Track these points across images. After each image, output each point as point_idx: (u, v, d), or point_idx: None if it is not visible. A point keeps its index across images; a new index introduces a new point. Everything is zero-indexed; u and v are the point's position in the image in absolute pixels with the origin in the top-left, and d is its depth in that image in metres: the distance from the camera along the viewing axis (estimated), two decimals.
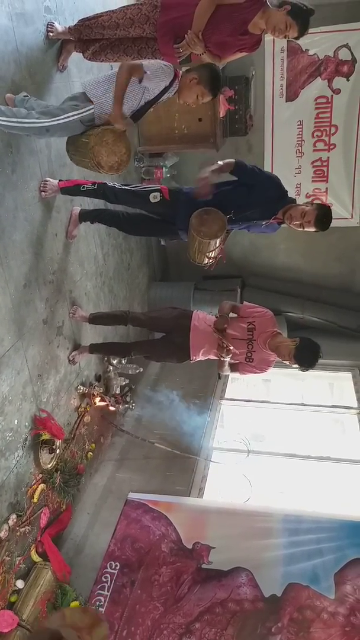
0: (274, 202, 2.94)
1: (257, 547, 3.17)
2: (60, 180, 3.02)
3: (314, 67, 4.65)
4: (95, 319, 3.48)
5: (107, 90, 2.57)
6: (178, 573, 3.09)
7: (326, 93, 4.71)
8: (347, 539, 3.18)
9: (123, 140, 2.66)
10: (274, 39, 4.42)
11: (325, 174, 5.01)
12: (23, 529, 2.78)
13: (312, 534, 3.21)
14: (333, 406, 4.67)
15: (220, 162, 2.93)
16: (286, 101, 4.79)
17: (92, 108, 2.58)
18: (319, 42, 4.51)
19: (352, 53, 4.53)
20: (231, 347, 3.02)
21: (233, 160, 2.93)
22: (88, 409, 3.55)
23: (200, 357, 3.23)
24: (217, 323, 3.12)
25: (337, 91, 4.69)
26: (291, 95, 4.77)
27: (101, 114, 2.61)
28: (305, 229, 2.89)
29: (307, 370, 2.97)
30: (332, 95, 4.71)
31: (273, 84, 4.74)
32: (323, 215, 2.85)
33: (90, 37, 2.92)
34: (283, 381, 4.98)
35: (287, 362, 2.96)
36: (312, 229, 2.88)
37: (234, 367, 3.20)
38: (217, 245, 2.91)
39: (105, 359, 3.83)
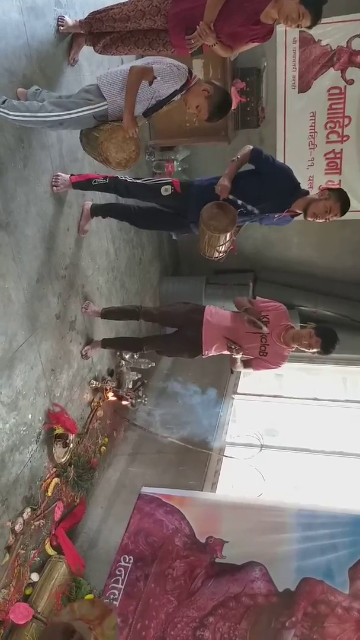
0: (287, 194, 2.91)
1: (271, 542, 3.17)
2: (72, 175, 3.02)
3: (327, 58, 4.57)
4: (107, 314, 3.48)
5: (121, 90, 2.56)
6: (191, 567, 3.10)
7: (339, 84, 4.64)
8: None
9: (133, 138, 2.65)
10: (286, 30, 4.36)
11: (339, 166, 4.95)
12: (37, 522, 2.80)
13: (326, 529, 3.19)
14: (347, 401, 4.63)
15: (238, 156, 2.91)
16: (298, 92, 4.73)
17: (106, 104, 2.58)
18: (332, 32, 4.43)
19: None
20: (239, 347, 3.01)
21: (250, 148, 2.91)
22: (101, 404, 3.56)
23: (213, 353, 3.22)
24: (250, 312, 3.07)
25: (350, 82, 4.61)
26: (303, 86, 4.70)
27: (114, 111, 2.60)
28: (330, 220, 2.88)
29: (328, 353, 2.97)
30: (345, 86, 4.63)
31: (285, 75, 4.68)
32: (345, 203, 2.86)
33: (101, 30, 2.89)
34: (296, 376, 4.95)
35: (307, 349, 2.96)
36: (337, 217, 2.87)
37: (247, 363, 3.18)
38: (228, 239, 2.89)
39: (118, 353, 3.84)
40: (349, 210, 2.93)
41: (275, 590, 2.97)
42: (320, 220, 2.88)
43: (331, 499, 3.66)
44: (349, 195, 2.96)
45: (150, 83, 2.54)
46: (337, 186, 4.68)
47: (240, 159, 2.90)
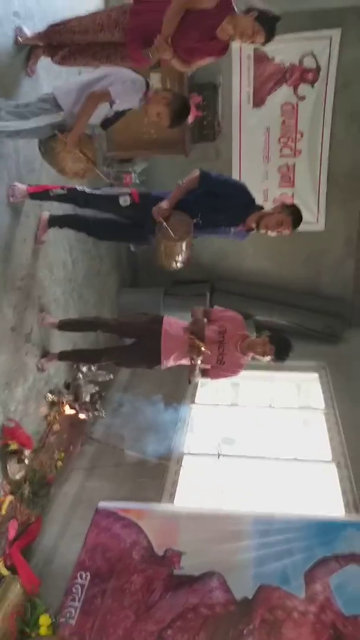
0: (242, 209, 2.98)
1: (229, 551, 3.18)
2: (29, 186, 2.97)
3: (280, 74, 4.73)
4: (65, 326, 3.43)
5: (78, 101, 2.56)
6: (149, 580, 3.07)
7: (292, 100, 4.81)
8: (315, 538, 3.22)
9: (89, 148, 2.65)
10: (240, 47, 4.47)
11: (292, 179, 5.11)
12: None
13: (282, 535, 3.24)
14: (301, 407, 4.75)
15: (183, 181, 2.96)
16: (253, 107, 4.86)
17: (63, 114, 2.56)
18: (285, 49, 4.59)
19: (316, 61, 4.63)
20: (203, 348, 3.03)
21: (197, 173, 2.96)
22: (57, 418, 3.50)
23: (171, 363, 3.23)
24: (196, 328, 3.12)
25: (302, 98, 4.79)
26: (258, 101, 4.84)
27: (71, 121, 2.59)
28: (282, 234, 2.97)
29: (282, 361, 3.06)
30: (297, 102, 4.81)
31: (240, 91, 4.80)
32: (298, 218, 2.96)
33: (60, 42, 2.89)
34: (252, 384, 5.04)
35: (262, 356, 3.03)
36: (288, 232, 2.96)
37: (204, 372, 3.22)
38: (184, 248, 2.93)
39: (75, 366, 3.78)
40: (302, 222, 3.04)
41: (233, 599, 2.98)
42: (273, 234, 2.96)
43: (287, 504, 3.73)
44: (301, 208, 3.07)
45: (111, 105, 2.56)
46: (292, 202, 4.83)
47: (186, 184, 2.95)
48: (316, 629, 2.82)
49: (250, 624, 2.86)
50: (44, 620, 2.74)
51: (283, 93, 4.79)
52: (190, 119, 4.34)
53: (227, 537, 3.25)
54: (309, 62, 4.66)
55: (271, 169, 5.06)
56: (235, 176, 4.94)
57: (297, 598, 2.95)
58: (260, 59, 4.67)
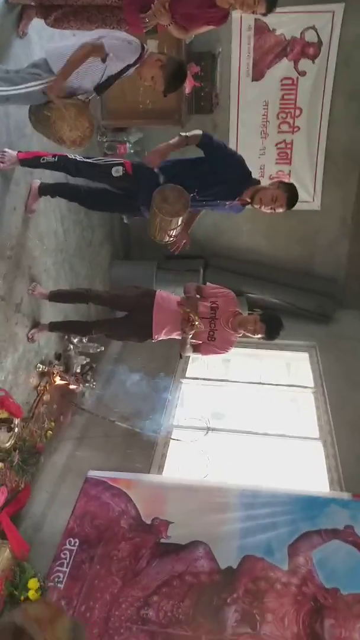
0: (239, 182, 2.94)
1: (215, 522, 3.24)
2: (19, 152, 2.91)
3: (281, 48, 4.63)
4: (56, 297, 3.42)
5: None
6: (137, 548, 3.13)
7: (292, 74, 4.72)
8: (300, 513, 3.29)
9: (86, 114, 2.60)
10: (241, 16, 4.37)
11: (289, 157, 5.05)
12: None
13: (268, 508, 3.31)
14: (290, 385, 4.79)
15: (186, 134, 2.89)
16: (252, 80, 4.77)
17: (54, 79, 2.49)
18: (287, 22, 4.49)
19: (318, 35, 4.53)
20: (197, 322, 3.02)
21: (200, 132, 2.90)
22: (48, 388, 3.51)
23: (163, 337, 3.24)
24: (189, 304, 3.11)
25: (302, 73, 4.70)
26: (257, 74, 4.74)
27: (64, 86, 2.52)
28: (276, 211, 2.93)
29: (272, 339, 3.08)
30: (297, 77, 4.72)
31: (240, 63, 4.70)
32: (293, 196, 2.91)
33: (52, 2, 2.80)
34: (242, 361, 5.07)
35: (253, 334, 3.04)
36: (282, 210, 2.92)
37: (196, 348, 3.22)
38: (179, 223, 2.90)
39: (66, 337, 3.78)
40: (298, 201, 3.01)
41: (218, 568, 3.05)
42: (267, 210, 2.93)
43: (274, 479, 3.79)
44: (297, 186, 3.04)
45: (103, 60, 2.48)
46: (290, 181, 4.79)
47: (190, 138, 2.88)
48: (298, 600, 2.90)
49: (234, 593, 2.93)
50: (33, 584, 2.79)
51: (283, 67, 4.70)
52: (187, 88, 4.26)
53: (213, 509, 3.31)
54: (310, 36, 4.56)
55: (269, 144, 4.99)
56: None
57: (280, 570, 3.02)
58: (261, 30, 4.56)
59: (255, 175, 3.08)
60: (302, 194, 5.02)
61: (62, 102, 2.53)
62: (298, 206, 3.06)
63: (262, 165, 5.04)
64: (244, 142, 4.94)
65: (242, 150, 4.75)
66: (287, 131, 4.92)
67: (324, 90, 4.72)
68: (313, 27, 4.51)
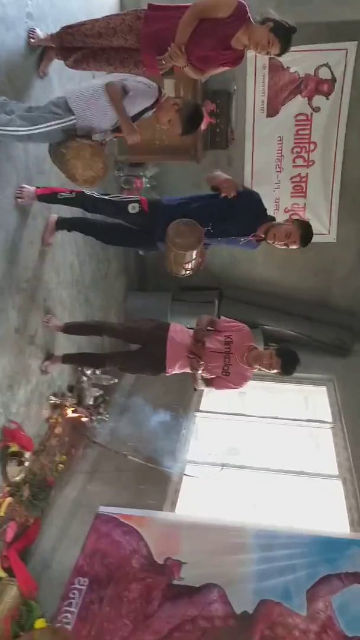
0: (254, 219, 2.95)
1: (230, 563, 3.14)
2: (37, 188, 2.97)
3: (295, 85, 4.72)
4: (70, 329, 3.42)
5: (90, 106, 2.57)
6: (148, 589, 3.03)
7: (306, 111, 4.79)
8: (319, 555, 3.17)
9: (101, 155, 2.65)
10: (256, 55, 4.48)
11: (304, 190, 5.08)
12: None
13: (285, 550, 3.19)
14: (308, 420, 4.68)
15: (216, 173, 2.95)
16: (267, 117, 4.85)
17: (74, 119, 2.57)
18: (300, 60, 4.59)
19: (332, 72, 4.62)
20: (202, 362, 3.01)
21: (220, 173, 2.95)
22: (59, 420, 3.48)
23: (177, 370, 3.20)
24: (196, 334, 3.11)
25: (316, 109, 4.78)
26: (272, 111, 4.83)
27: (82, 126, 2.59)
28: (289, 247, 2.92)
29: (288, 374, 3.03)
30: (311, 113, 4.79)
31: (255, 99, 4.80)
32: (307, 234, 2.90)
33: (73, 45, 2.90)
34: (258, 394, 4.98)
35: (268, 369, 2.99)
36: (295, 247, 2.91)
37: (209, 382, 3.18)
38: (194, 257, 2.90)
39: (79, 368, 3.77)
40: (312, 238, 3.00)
41: (233, 612, 2.93)
42: (280, 245, 2.92)
43: (290, 518, 3.67)
44: (313, 219, 3.04)
45: (125, 93, 2.56)
46: (305, 217, 4.80)
47: (216, 177, 2.94)
48: None
49: (249, 639, 2.80)
50: (40, 624, 2.71)
51: (297, 103, 4.78)
52: (203, 125, 4.35)
53: (228, 549, 3.21)
54: (324, 74, 4.65)
55: (283, 178, 5.04)
56: (247, 184, 4.94)
57: (299, 615, 2.90)
58: (275, 68, 4.67)
59: (270, 208, 3.09)
60: (318, 226, 5.07)
61: (79, 143, 2.62)
62: (314, 238, 3.05)
63: (277, 199, 5.07)
64: (258, 176, 5.00)
65: (257, 184, 4.83)
66: (302, 165, 4.97)
67: (338, 125, 4.78)
68: (327, 65, 4.60)
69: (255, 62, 4.64)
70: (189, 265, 2.96)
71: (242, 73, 4.64)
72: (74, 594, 3.01)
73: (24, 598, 2.80)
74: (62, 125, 2.56)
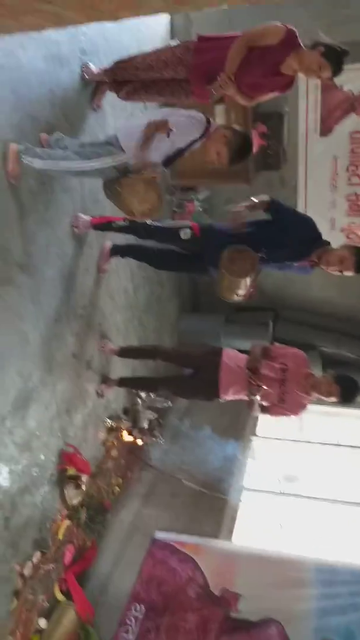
0: (307, 244, 2.88)
1: (289, 598, 3.01)
2: (92, 217, 3.07)
3: (349, 103, 4.63)
4: (125, 353, 3.48)
5: (139, 142, 2.61)
6: (205, 620, 2.95)
7: None
8: None
9: (154, 188, 2.68)
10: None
11: None
12: (47, 566, 2.74)
13: (347, 587, 3.02)
14: None
15: (254, 199, 2.91)
16: (320, 136, 4.78)
17: (125, 156, 2.62)
18: (354, 78, 4.49)
19: None
20: (262, 385, 2.94)
21: (268, 198, 2.90)
22: (115, 443, 3.51)
23: (230, 397, 3.14)
24: (249, 362, 3.06)
25: None
26: (325, 130, 4.75)
27: (134, 162, 2.65)
28: (343, 274, 2.83)
29: (348, 402, 2.92)
30: None
31: (307, 120, 4.75)
32: None
33: (124, 78, 2.99)
34: (317, 420, 4.81)
35: (326, 397, 2.90)
36: (350, 274, 2.82)
37: (264, 409, 3.11)
38: (248, 284, 2.87)
39: (134, 391, 3.81)
40: None
41: None
42: (334, 271, 2.84)
43: (353, 553, 3.48)
44: None
45: (168, 135, 2.59)
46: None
47: (256, 203, 2.89)
48: None
49: None
50: None
51: (352, 121, 4.69)
52: (254, 148, 4.35)
53: (287, 583, 3.08)
54: None
55: (339, 197, 4.92)
56: (300, 204, 4.86)
57: None
58: (327, 87, 4.60)
59: (325, 228, 3.02)
60: None
61: (132, 179, 2.66)
62: None
63: (333, 219, 4.95)
64: (312, 196, 4.91)
65: (311, 205, 4.74)
66: (357, 183, 4.84)
67: None
68: None
69: (307, 82, 4.60)
70: (242, 292, 2.94)
71: (294, 93, 4.60)
72: (130, 620, 2.99)
73: (82, 622, 2.82)
74: (114, 162, 2.62)
